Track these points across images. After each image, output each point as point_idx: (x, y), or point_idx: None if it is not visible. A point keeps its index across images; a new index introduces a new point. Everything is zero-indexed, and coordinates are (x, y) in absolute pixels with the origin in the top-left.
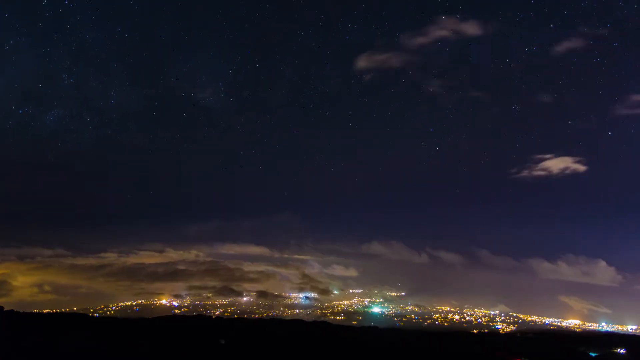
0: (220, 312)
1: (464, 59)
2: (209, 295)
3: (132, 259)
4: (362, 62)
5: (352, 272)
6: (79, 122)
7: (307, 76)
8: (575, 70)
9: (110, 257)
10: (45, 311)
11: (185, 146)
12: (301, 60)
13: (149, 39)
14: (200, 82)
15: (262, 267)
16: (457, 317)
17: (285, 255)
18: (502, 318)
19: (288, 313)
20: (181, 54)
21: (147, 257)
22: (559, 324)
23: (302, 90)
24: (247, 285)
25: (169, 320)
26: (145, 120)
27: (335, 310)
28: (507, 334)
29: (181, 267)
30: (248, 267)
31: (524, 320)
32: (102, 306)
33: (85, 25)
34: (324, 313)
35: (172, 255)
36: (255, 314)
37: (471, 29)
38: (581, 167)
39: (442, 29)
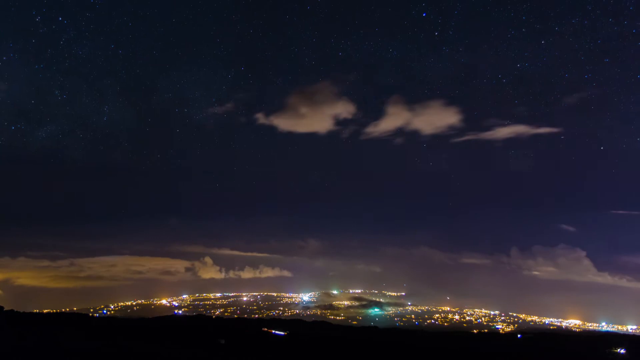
0: (220, 312)
1: (457, 76)
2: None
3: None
4: (355, 79)
5: (353, 272)
6: (71, 138)
7: (300, 93)
8: (567, 86)
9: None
10: (45, 311)
11: (178, 162)
12: (294, 76)
13: (142, 55)
14: (194, 98)
15: (265, 269)
16: (457, 317)
17: (286, 257)
18: (502, 318)
19: (288, 313)
20: (174, 70)
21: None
22: (559, 324)
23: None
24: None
25: (169, 320)
26: (138, 136)
27: (336, 310)
28: (507, 334)
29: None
30: (250, 269)
31: (524, 320)
32: (102, 306)
33: (79, 42)
34: (324, 313)
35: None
36: (255, 314)
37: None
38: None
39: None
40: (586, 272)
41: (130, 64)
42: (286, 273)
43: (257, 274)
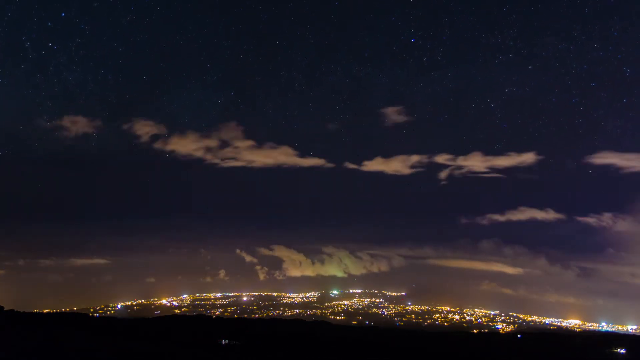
0: (220, 312)
1: (446, 100)
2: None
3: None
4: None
5: (353, 272)
6: (59, 163)
7: (291, 117)
8: (554, 110)
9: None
10: (45, 311)
11: (168, 186)
12: (284, 100)
13: (132, 80)
14: (184, 122)
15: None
16: (457, 317)
17: (286, 257)
18: (502, 318)
19: (288, 313)
20: (165, 95)
21: None
22: (559, 323)
23: (286, 131)
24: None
25: (169, 321)
26: (127, 161)
27: (336, 310)
28: (507, 334)
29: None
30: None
31: (524, 320)
32: (102, 306)
33: (69, 67)
34: (324, 313)
35: None
36: (255, 314)
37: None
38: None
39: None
40: None
41: (120, 89)
42: (287, 273)
43: (260, 275)
